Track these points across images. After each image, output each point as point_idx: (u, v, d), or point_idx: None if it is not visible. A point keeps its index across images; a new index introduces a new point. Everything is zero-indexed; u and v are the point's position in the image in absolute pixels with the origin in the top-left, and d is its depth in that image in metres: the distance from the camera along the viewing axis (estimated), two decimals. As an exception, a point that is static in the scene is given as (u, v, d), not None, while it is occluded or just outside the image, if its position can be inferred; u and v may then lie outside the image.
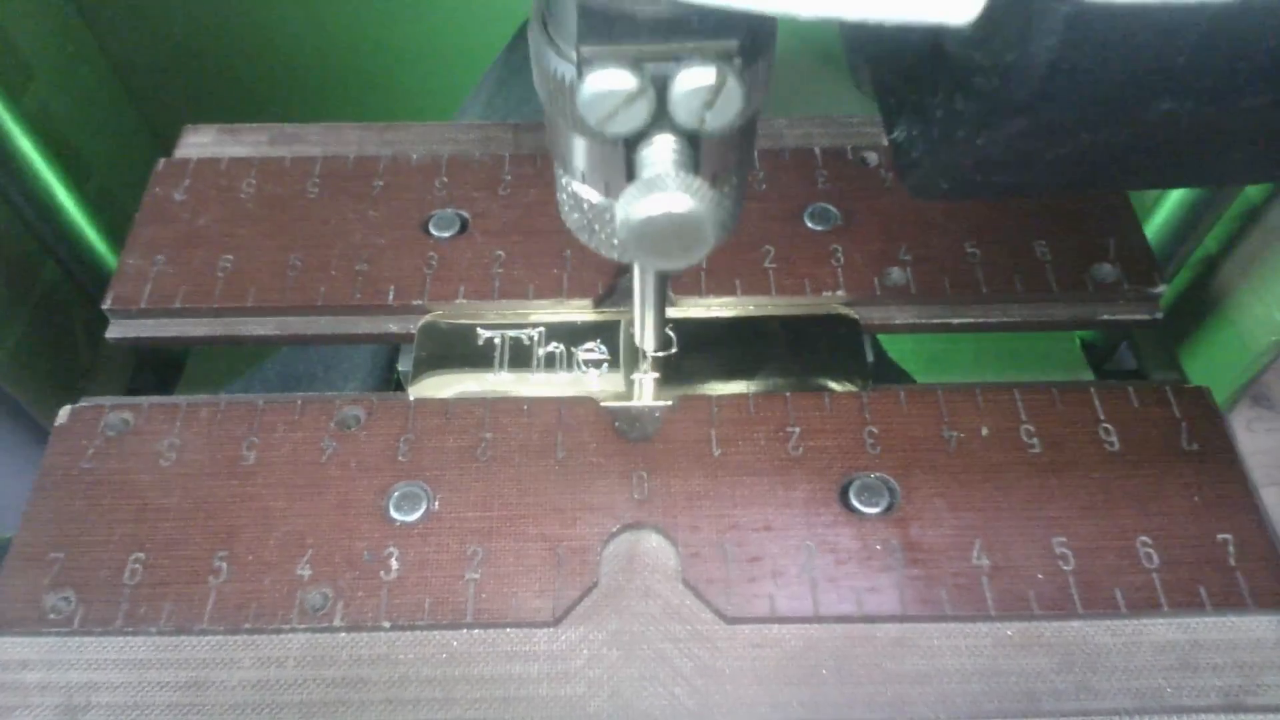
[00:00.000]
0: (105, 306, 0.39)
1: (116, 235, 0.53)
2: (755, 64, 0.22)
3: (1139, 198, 0.43)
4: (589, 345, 0.38)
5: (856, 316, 0.39)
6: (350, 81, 0.69)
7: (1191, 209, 0.43)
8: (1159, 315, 0.39)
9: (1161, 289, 0.39)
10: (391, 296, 0.39)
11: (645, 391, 0.37)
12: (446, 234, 0.41)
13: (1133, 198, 0.42)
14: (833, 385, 0.37)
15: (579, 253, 0.40)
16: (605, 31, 0.21)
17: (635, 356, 0.38)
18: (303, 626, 0.32)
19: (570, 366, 0.38)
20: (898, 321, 0.39)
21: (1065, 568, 0.32)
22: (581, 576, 0.32)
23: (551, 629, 0.32)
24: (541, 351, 0.38)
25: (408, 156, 0.44)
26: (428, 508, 0.34)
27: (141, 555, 0.33)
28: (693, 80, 0.21)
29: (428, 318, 0.39)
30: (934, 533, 0.33)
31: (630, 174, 0.23)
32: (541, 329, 0.39)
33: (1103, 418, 0.36)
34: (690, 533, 0.33)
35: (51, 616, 0.32)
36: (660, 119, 0.22)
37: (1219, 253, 0.44)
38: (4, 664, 0.31)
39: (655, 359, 0.36)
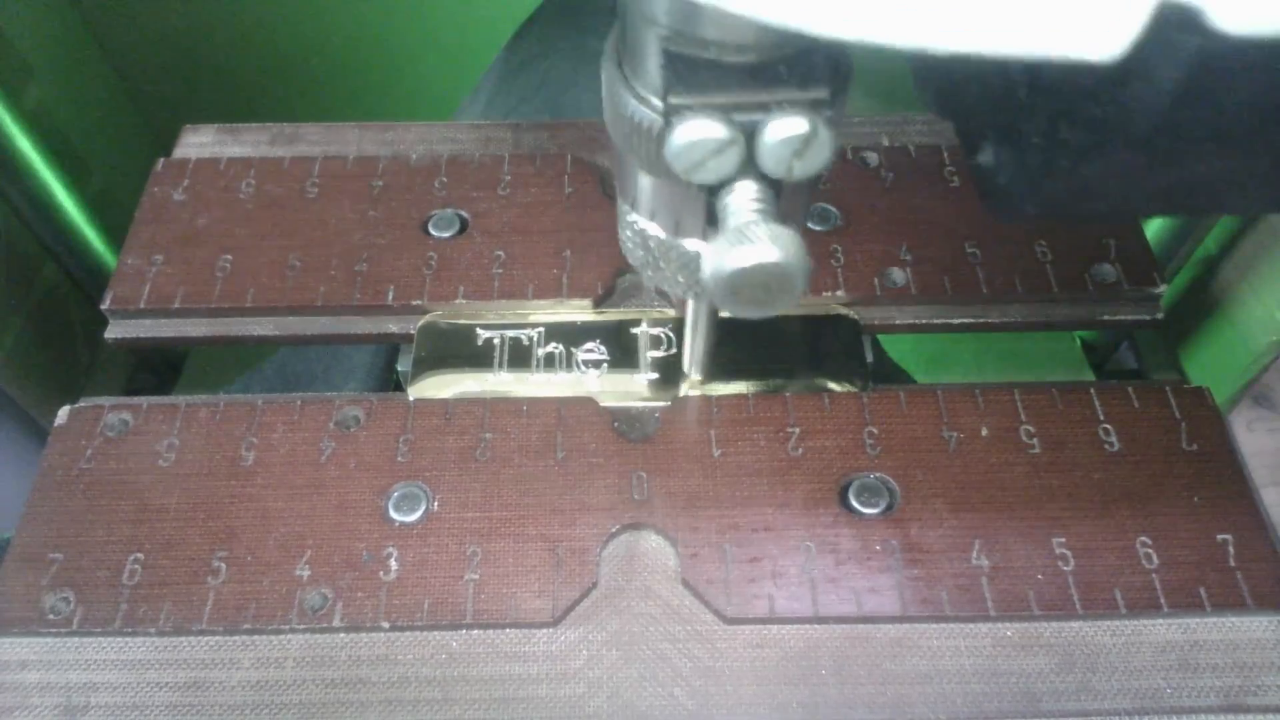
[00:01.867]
0: (104, 307, 0.39)
1: (116, 235, 0.53)
2: (839, 109, 0.22)
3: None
4: (588, 345, 0.38)
5: (856, 317, 0.39)
6: (350, 81, 0.70)
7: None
8: (1159, 315, 0.39)
9: (1161, 289, 0.39)
10: (391, 296, 0.39)
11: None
12: (446, 234, 0.41)
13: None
14: (832, 385, 0.37)
15: (578, 253, 0.40)
16: (695, 81, 0.21)
17: (637, 359, 0.38)
18: (302, 627, 0.32)
19: (570, 367, 0.38)
20: (898, 321, 0.39)
21: (1065, 568, 0.32)
22: (581, 577, 0.32)
23: (551, 629, 0.32)
24: (541, 352, 0.38)
25: (407, 156, 0.44)
26: (427, 508, 0.34)
27: (140, 556, 0.33)
28: (784, 130, 0.21)
29: (427, 318, 0.39)
30: (933, 533, 0.33)
31: (711, 218, 0.23)
32: (541, 329, 0.39)
33: (1103, 418, 0.36)
34: (690, 533, 0.33)
35: (50, 617, 0.32)
36: (746, 166, 0.22)
37: (1219, 253, 0.44)
38: (3, 664, 0.31)
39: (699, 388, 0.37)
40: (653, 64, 0.22)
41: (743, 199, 0.22)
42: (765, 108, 0.21)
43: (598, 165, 0.44)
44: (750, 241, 0.21)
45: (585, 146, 0.45)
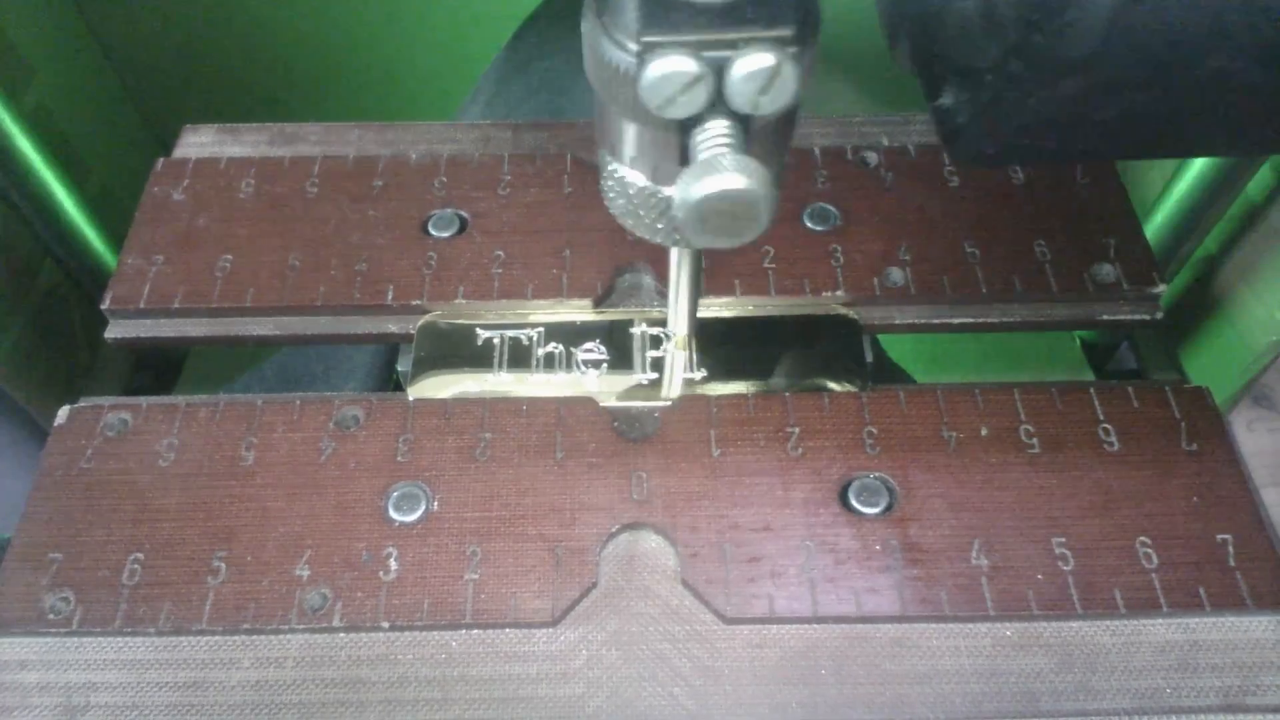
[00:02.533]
0: (104, 306, 0.39)
1: (116, 235, 0.53)
2: (806, 51, 0.23)
3: (1139, 197, 0.43)
4: (588, 345, 0.38)
5: (856, 317, 0.39)
6: (350, 81, 0.69)
7: (1191, 209, 0.43)
8: (1159, 315, 0.39)
9: (1161, 289, 0.39)
10: (391, 296, 0.39)
11: (676, 376, 0.37)
12: (446, 234, 0.41)
13: (1133, 197, 0.41)
14: (832, 385, 0.37)
15: (578, 253, 0.40)
16: (667, 21, 0.22)
17: (634, 357, 0.38)
18: (301, 627, 0.32)
19: (569, 367, 0.38)
20: (897, 321, 0.39)
21: (1065, 568, 0.32)
22: (580, 577, 0.32)
23: (550, 629, 0.32)
24: (540, 352, 0.38)
25: (407, 156, 0.44)
26: (427, 508, 0.34)
27: (140, 555, 0.33)
28: (750, 66, 0.22)
29: (427, 318, 0.39)
30: (933, 533, 0.33)
31: (684, 157, 0.25)
32: (540, 329, 0.39)
33: (1103, 418, 0.36)
34: (689, 533, 0.33)
35: (50, 617, 0.32)
36: (715, 104, 0.23)
37: (1219, 253, 0.44)
38: (3, 664, 0.31)
39: (686, 346, 0.36)
40: (629, 7, 0.23)
41: (712, 134, 0.23)
42: (733, 45, 0.22)
43: (598, 165, 0.44)
44: (717, 171, 0.23)
45: (585, 146, 0.45)
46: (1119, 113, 0.21)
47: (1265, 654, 0.31)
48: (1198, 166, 0.42)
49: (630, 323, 0.39)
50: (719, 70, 0.22)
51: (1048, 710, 0.30)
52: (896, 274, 0.39)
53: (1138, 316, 0.39)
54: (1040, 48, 0.20)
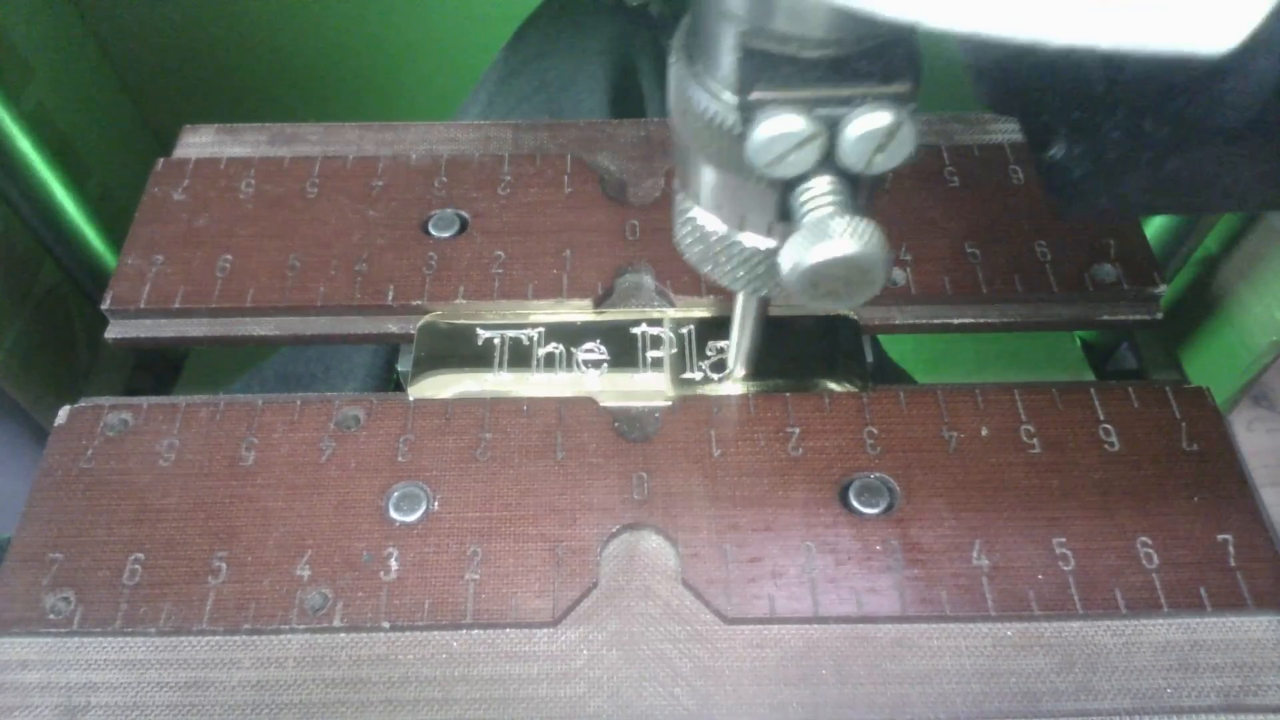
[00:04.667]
0: (104, 306, 0.39)
1: (116, 235, 0.53)
2: (916, 104, 0.22)
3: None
4: (588, 345, 0.38)
5: (856, 317, 0.39)
6: (350, 81, 0.70)
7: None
8: (1159, 315, 0.39)
9: (1161, 289, 0.39)
10: (391, 296, 0.39)
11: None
12: (446, 234, 0.41)
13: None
14: (832, 386, 0.37)
15: (578, 253, 0.40)
16: (775, 76, 0.21)
17: (639, 357, 0.38)
18: (302, 627, 0.32)
19: (570, 367, 0.38)
20: (898, 321, 0.39)
21: (1065, 568, 0.32)
22: (581, 577, 0.32)
23: (551, 629, 0.32)
24: (541, 352, 0.38)
25: (407, 156, 0.44)
26: (427, 508, 0.34)
27: (141, 555, 0.33)
28: (868, 125, 0.21)
29: (427, 318, 0.39)
30: (934, 533, 0.33)
31: (783, 213, 0.23)
32: (541, 329, 0.39)
33: (1103, 418, 0.36)
34: (690, 533, 0.33)
35: (51, 617, 0.32)
36: (825, 161, 0.22)
37: (1219, 253, 0.44)
38: (3, 664, 0.31)
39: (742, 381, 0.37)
40: (729, 60, 0.22)
41: (819, 192, 0.22)
42: (847, 102, 0.21)
43: (598, 165, 0.44)
44: (830, 235, 0.21)
45: (585, 146, 0.45)
46: (1256, 175, 0.20)
47: (1265, 654, 0.31)
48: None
49: (631, 323, 0.39)
50: (831, 128, 0.21)
51: (1048, 710, 0.30)
52: (897, 274, 0.39)
53: (1138, 316, 0.39)
54: (1182, 112, 0.19)
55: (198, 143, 0.46)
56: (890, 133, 0.21)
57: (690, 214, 0.27)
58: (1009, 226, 0.40)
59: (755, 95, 0.21)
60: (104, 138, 0.58)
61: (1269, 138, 0.19)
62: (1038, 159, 0.23)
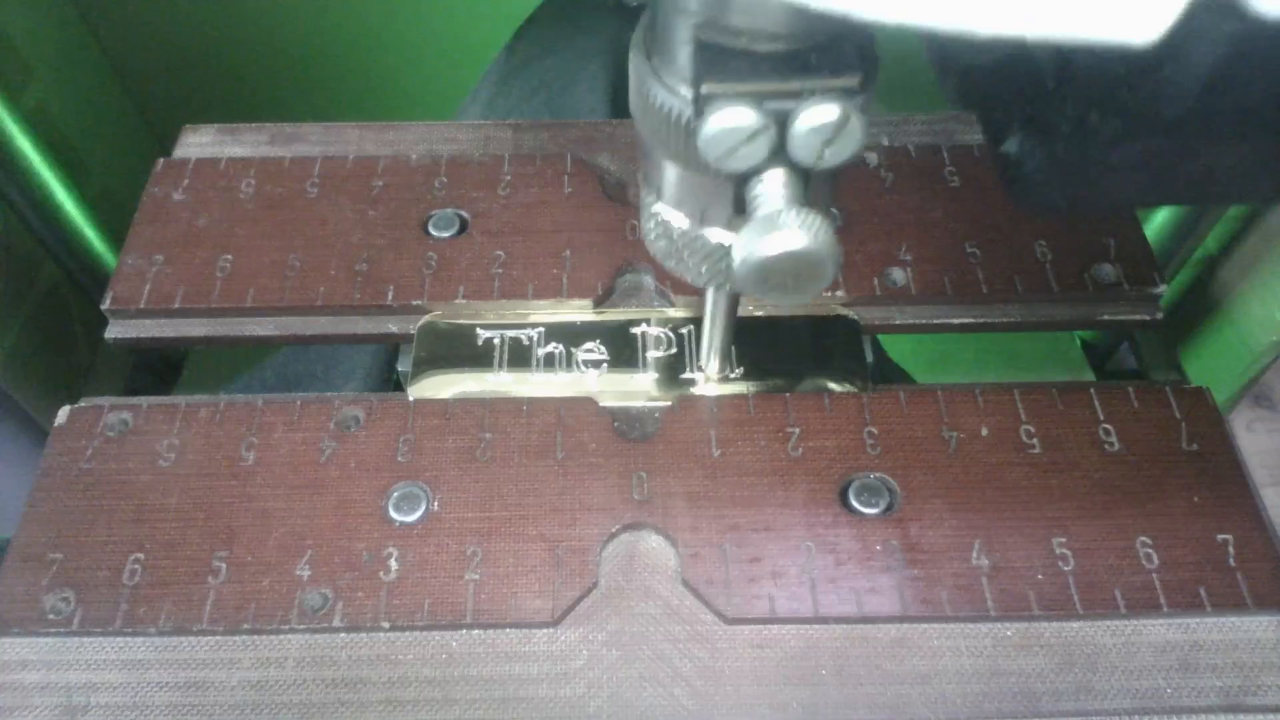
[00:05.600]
0: (104, 306, 0.39)
1: (116, 235, 0.53)
2: (868, 98, 0.22)
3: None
4: (588, 345, 0.38)
5: (856, 317, 0.39)
6: (350, 81, 0.70)
7: (1191, 209, 0.43)
8: (1159, 315, 0.39)
9: (1161, 289, 0.39)
10: (391, 296, 0.39)
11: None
12: (446, 234, 0.41)
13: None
14: (832, 385, 0.37)
15: (578, 253, 0.40)
16: (726, 69, 0.21)
17: (639, 358, 0.38)
18: (302, 627, 0.32)
19: (570, 367, 0.38)
20: (898, 321, 0.39)
21: (1065, 568, 0.32)
22: (581, 577, 0.32)
23: (551, 629, 0.32)
24: (541, 352, 0.38)
25: (407, 156, 0.44)
26: (427, 508, 0.34)
27: (141, 556, 0.33)
28: (816, 118, 0.21)
29: (427, 318, 0.39)
30: (934, 533, 0.33)
31: (739, 206, 0.23)
32: (541, 329, 0.39)
33: (1103, 418, 0.36)
34: (690, 533, 0.33)
35: (51, 617, 0.32)
36: (776, 154, 0.22)
37: (1219, 253, 0.44)
38: (3, 664, 0.31)
39: (717, 379, 0.37)
40: (684, 54, 0.22)
41: (772, 186, 0.22)
42: (797, 95, 0.21)
43: (598, 165, 0.44)
44: (780, 228, 0.21)
45: (585, 146, 0.45)
46: (1203, 165, 0.20)
47: (1265, 654, 0.31)
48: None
49: (631, 323, 0.39)
50: (781, 121, 0.21)
51: (1048, 710, 0.30)
52: (897, 274, 0.39)
53: (1138, 316, 0.39)
54: (1126, 103, 0.19)
55: (198, 143, 0.46)
56: (838, 126, 0.21)
57: (654, 209, 0.27)
58: (1009, 226, 0.40)
59: (706, 88, 0.21)
60: (104, 138, 0.58)
61: (1208, 128, 0.19)
62: (994, 153, 0.23)
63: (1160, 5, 0.15)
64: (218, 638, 0.32)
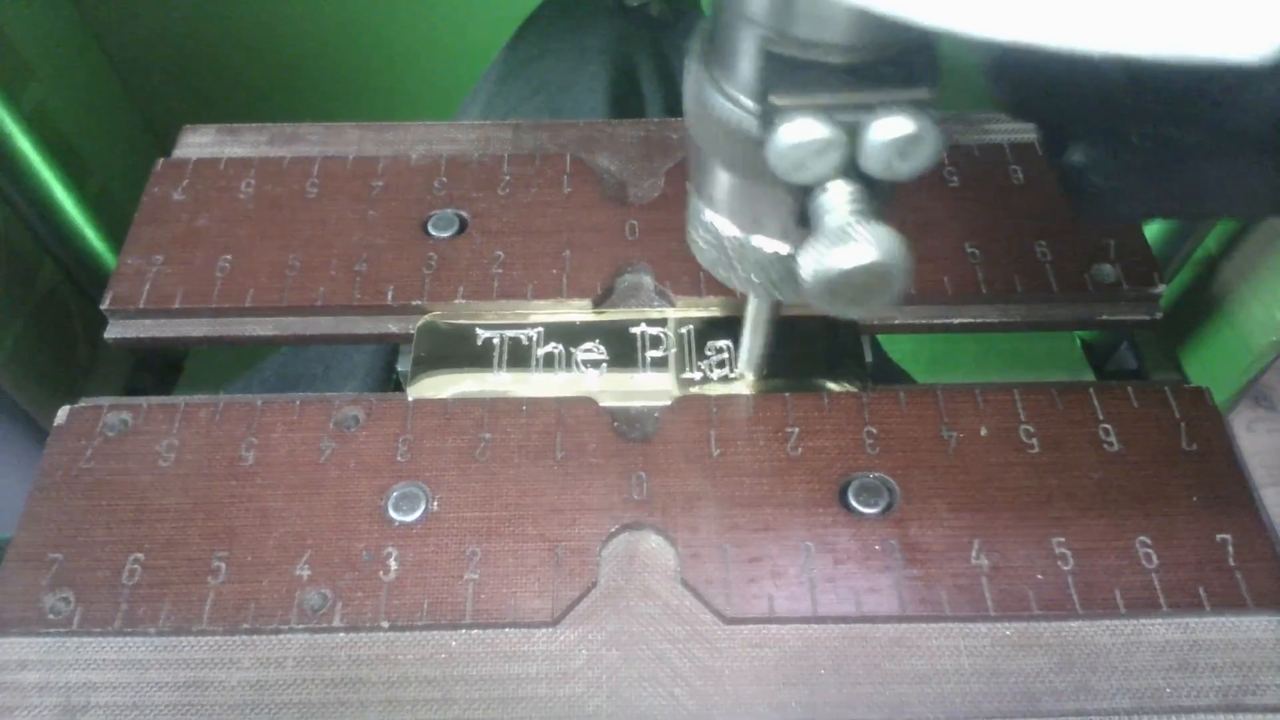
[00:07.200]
0: (104, 306, 0.39)
1: (116, 235, 0.53)
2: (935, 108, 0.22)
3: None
4: (588, 345, 0.38)
5: (856, 317, 0.39)
6: (350, 81, 0.70)
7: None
8: (1159, 315, 0.39)
9: (1161, 289, 0.39)
10: (390, 296, 0.39)
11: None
12: (445, 234, 0.41)
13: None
14: (832, 385, 0.37)
15: (578, 253, 0.40)
16: (795, 81, 0.21)
17: (638, 358, 0.38)
18: (301, 627, 0.32)
19: (569, 367, 0.38)
20: (898, 321, 0.39)
21: (1064, 568, 0.32)
22: (580, 577, 0.32)
23: (550, 629, 0.32)
24: (540, 352, 0.38)
25: (407, 156, 0.44)
26: (426, 508, 0.34)
27: (140, 555, 0.33)
28: (891, 130, 0.21)
29: (426, 318, 0.39)
30: (933, 533, 0.33)
31: (802, 218, 0.23)
32: (540, 329, 0.39)
33: (1102, 418, 0.36)
34: (689, 533, 0.33)
35: (50, 617, 0.32)
36: (845, 166, 0.22)
37: (1219, 253, 0.44)
38: (3, 664, 0.31)
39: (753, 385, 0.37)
40: (749, 65, 0.21)
41: (837, 197, 0.22)
42: (869, 107, 0.21)
43: (597, 165, 0.44)
44: (852, 241, 0.21)
45: (585, 146, 0.45)
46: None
47: (1265, 654, 0.31)
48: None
49: (631, 323, 0.39)
50: (853, 133, 0.21)
51: (1048, 710, 0.30)
52: (896, 274, 0.39)
53: (1138, 316, 0.39)
54: (1211, 119, 0.19)
55: (198, 143, 0.46)
56: (912, 139, 0.21)
57: (704, 216, 0.27)
58: (1009, 226, 0.40)
59: (775, 100, 0.21)
60: (104, 138, 0.58)
61: None
62: (1056, 163, 0.23)
63: (1270, 22, 0.15)
64: (217, 638, 0.32)
